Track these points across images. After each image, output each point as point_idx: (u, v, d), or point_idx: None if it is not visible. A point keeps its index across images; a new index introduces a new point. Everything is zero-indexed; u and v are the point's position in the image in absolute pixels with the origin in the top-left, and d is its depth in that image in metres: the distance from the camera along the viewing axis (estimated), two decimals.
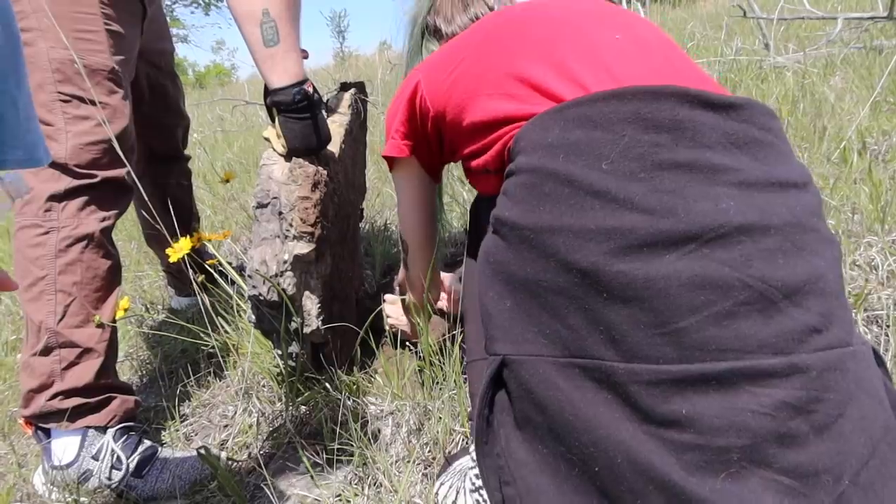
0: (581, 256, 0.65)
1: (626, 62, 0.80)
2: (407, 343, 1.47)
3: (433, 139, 1.05)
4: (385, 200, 2.41)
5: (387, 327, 1.45)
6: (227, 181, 1.88)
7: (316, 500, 1.03)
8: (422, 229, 1.20)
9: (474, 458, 0.94)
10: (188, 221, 1.81)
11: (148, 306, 2.04)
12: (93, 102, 1.18)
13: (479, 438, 0.77)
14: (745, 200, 0.64)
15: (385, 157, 1.13)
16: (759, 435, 0.58)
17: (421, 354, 1.22)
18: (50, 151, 0.77)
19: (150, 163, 1.64)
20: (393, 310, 1.47)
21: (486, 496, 0.88)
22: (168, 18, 1.68)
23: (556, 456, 0.68)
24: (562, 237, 0.67)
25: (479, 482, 0.92)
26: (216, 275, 1.57)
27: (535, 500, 0.69)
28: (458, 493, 0.97)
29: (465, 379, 1.10)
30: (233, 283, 1.56)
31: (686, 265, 0.62)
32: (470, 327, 1.07)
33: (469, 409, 1.06)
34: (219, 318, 1.43)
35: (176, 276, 1.91)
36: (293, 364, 1.23)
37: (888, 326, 1.12)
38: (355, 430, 1.11)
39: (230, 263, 1.67)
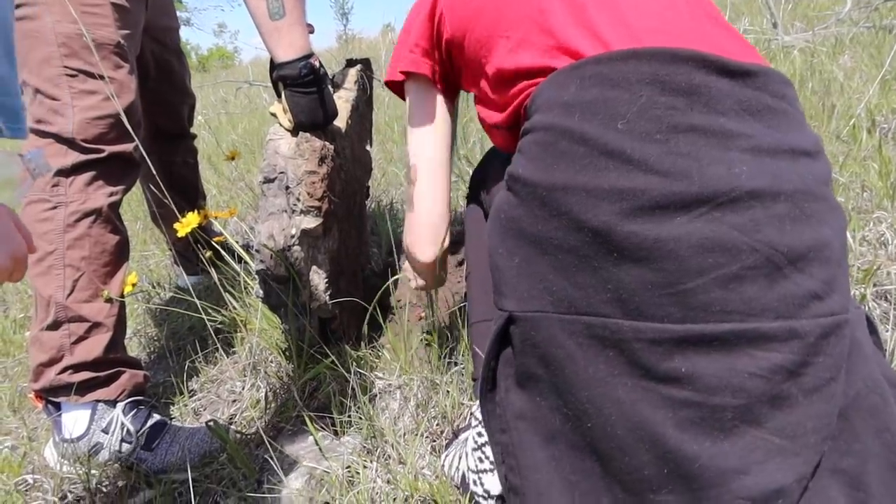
0: (593, 216, 0.65)
1: (646, 15, 0.78)
2: (420, 315, 1.47)
3: (444, 60, 1.03)
4: (390, 179, 2.41)
5: (404, 276, 1.31)
6: (233, 159, 1.88)
7: (325, 471, 1.03)
8: (437, 149, 1.06)
9: (477, 417, 0.96)
10: (194, 199, 1.81)
11: (154, 285, 2.04)
12: (99, 77, 1.17)
13: (485, 386, 0.79)
14: (758, 166, 0.64)
15: (403, 73, 1.07)
16: (753, 396, 0.59)
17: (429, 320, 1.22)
18: (21, 127, 0.78)
19: (156, 140, 1.64)
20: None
21: (487, 453, 0.90)
22: None
23: (552, 409, 0.71)
24: (575, 196, 0.67)
25: (480, 440, 0.93)
26: (223, 252, 1.57)
27: (524, 451, 0.72)
28: (460, 457, 0.98)
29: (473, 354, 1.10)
30: (240, 260, 1.56)
31: (696, 227, 0.62)
32: (473, 288, 1.07)
33: (473, 371, 1.06)
34: (226, 294, 1.44)
35: (182, 254, 1.92)
36: (301, 339, 1.24)
37: None
38: (364, 403, 1.11)
39: (236, 242, 1.67)
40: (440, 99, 1.07)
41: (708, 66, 0.69)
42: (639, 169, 0.65)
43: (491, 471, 0.90)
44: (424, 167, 1.06)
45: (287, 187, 1.14)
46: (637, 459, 0.62)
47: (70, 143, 1.16)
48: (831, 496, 0.59)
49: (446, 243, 1.10)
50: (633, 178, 0.65)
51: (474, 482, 0.92)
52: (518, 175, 0.75)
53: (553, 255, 0.69)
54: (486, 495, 0.90)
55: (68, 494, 1.15)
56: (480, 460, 0.92)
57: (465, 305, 1.46)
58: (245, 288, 1.48)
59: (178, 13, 1.67)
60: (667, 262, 0.62)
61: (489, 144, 1.20)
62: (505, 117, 0.87)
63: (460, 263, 1.72)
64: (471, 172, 1.93)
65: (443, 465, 1.02)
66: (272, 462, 1.05)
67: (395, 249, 1.88)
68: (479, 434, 0.93)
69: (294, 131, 1.18)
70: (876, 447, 0.61)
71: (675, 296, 0.61)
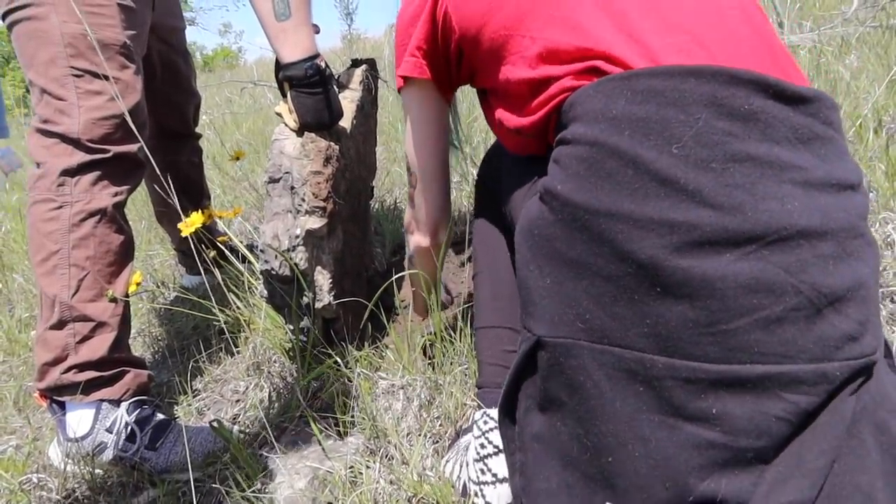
0: (639, 248, 0.62)
1: (695, 27, 0.71)
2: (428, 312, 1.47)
3: (453, 59, 0.97)
4: (394, 179, 2.41)
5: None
6: (238, 159, 1.88)
7: (328, 471, 1.03)
8: (436, 154, 1.10)
9: (480, 427, 0.95)
10: (199, 199, 1.82)
11: (159, 284, 2.05)
12: (105, 77, 1.18)
13: (504, 405, 0.79)
14: (809, 202, 0.62)
15: (401, 77, 1.03)
16: (774, 438, 0.59)
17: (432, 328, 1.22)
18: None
19: (161, 140, 1.64)
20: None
21: (489, 465, 0.90)
22: None
23: (572, 437, 0.69)
24: (620, 224, 0.64)
25: (483, 452, 0.92)
26: (227, 251, 1.57)
27: (537, 473, 0.72)
28: (461, 466, 0.97)
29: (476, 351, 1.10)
30: (244, 259, 1.56)
31: (745, 266, 0.60)
32: (481, 290, 1.06)
33: (477, 378, 1.06)
34: (230, 293, 1.44)
35: (186, 253, 1.92)
36: (304, 339, 1.24)
37: None
38: (367, 403, 1.11)
39: (241, 241, 1.68)
40: (440, 104, 1.06)
41: (766, 91, 0.64)
42: (692, 200, 0.62)
43: (492, 483, 0.89)
44: (422, 176, 1.11)
45: (292, 187, 1.14)
46: (656, 497, 0.62)
47: (76, 143, 1.16)
48: None
49: (445, 235, 1.18)
50: (686, 211, 0.61)
51: (476, 494, 0.91)
52: (556, 192, 0.70)
53: (589, 282, 0.66)
54: None
55: (72, 494, 1.15)
56: (482, 472, 0.91)
57: (468, 306, 1.46)
58: (249, 288, 1.49)
59: (183, 14, 1.68)
60: (711, 301, 0.60)
61: (493, 141, 1.20)
62: (531, 123, 0.83)
63: (462, 265, 1.72)
64: (472, 172, 1.92)
65: (443, 471, 1.01)
66: (276, 462, 1.05)
67: (398, 249, 1.88)
68: (482, 445, 0.93)
69: (299, 132, 1.18)
70: (887, 465, 0.60)
71: (715, 335, 0.60)
